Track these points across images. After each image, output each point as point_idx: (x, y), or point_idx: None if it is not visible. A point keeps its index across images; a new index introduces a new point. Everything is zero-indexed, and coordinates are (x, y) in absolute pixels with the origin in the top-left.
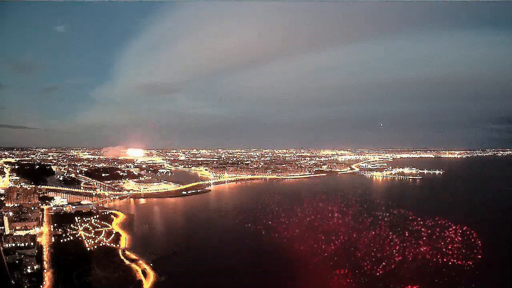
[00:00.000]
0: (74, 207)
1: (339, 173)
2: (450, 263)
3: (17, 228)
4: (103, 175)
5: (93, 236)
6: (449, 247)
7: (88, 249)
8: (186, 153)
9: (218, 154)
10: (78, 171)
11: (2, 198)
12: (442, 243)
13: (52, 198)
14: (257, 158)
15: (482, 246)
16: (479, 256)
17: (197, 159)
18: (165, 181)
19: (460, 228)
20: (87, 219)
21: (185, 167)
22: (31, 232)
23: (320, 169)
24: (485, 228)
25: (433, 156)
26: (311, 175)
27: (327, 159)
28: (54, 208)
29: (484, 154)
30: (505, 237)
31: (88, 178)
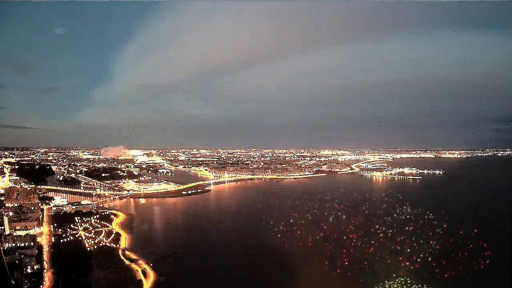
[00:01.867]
0: (74, 207)
1: (339, 173)
2: (449, 265)
3: (17, 228)
4: (103, 175)
5: (93, 236)
6: (449, 247)
7: (88, 249)
8: (186, 153)
9: (218, 154)
10: (78, 171)
11: (2, 198)
12: (443, 245)
13: (52, 198)
14: (257, 158)
15: (484, 248)
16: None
17: (197, 159)
18: (165, 181)
19: (462, 230)
20: (87, 219)
21: (185, 167)
22: (31, 232)
23: (320, 169)
24: (488, 230)
25: (433, 156)
26: (311, 175)
27: (327, 159)
28: (54, 208)
29: (484, 154)
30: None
31: (88, 178)
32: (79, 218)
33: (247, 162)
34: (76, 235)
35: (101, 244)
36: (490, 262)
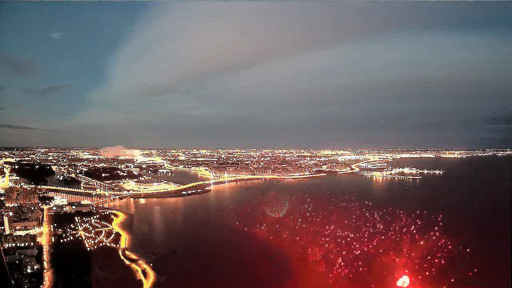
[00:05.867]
0: (74, 207)
1: (339, 173)
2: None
3: (17, 228)
4: (103, 175)
5: (93, 236)
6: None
7: (88, 249)
8: (186, 153)
9: (218, 154)
10: (78, 171)
11: (2, 198)
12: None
13: (52, 198)
14: (257, 158)
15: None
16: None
17: (197, 159)
18: (165, 181)
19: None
20: (87, 219)
21: (185, 167)
22: (31, 232)
23: (320, 169)
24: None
25: (433, 156)
26: (311, 175)
27: (327, 159)
28: (54, 208)
29: (484, 154)
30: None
31: (88, 178)
32: (79, 218)
33: (247, 162)
34: (76, 235)
35: (101, 244)
36: None
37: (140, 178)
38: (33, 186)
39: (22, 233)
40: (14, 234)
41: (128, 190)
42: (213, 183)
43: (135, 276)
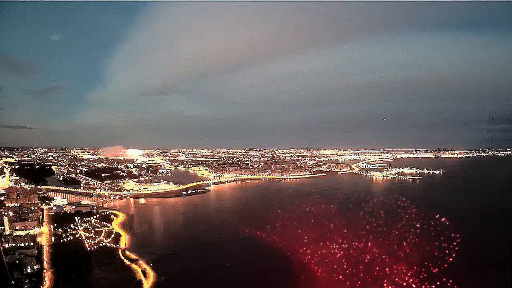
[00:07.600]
0: (74, 207)
1: (339, 173)
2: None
3: (17, 228)
4: (103, 175)
5: (93, 236)
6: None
7: (88, 249)
8: (186, 153)
9: (218, 154)
10: (78, 171)
11: (2, 198)
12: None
13: (52, 198)
14: (257, 158)
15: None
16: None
17: (197, 159)
18: (165, 181)
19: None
20: (87, 219)
21: (185, 167)
22: (31, 232)
23: (320, 169)
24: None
25: (433, 156)
26: (311, 175)
27: (327, 159)
28: (54, 208)
29: (484, 154)
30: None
31: (88, 178)
32: (79, 218)
33: (247, 162)
34: (76, 235)
35: (101, 244)
36: None
37: (140, 178)
38: (33, 186)
39: (22, 233)
40: (14, 234)
41: (128, 190)
42: (213, 183)
43: (135, 276)
